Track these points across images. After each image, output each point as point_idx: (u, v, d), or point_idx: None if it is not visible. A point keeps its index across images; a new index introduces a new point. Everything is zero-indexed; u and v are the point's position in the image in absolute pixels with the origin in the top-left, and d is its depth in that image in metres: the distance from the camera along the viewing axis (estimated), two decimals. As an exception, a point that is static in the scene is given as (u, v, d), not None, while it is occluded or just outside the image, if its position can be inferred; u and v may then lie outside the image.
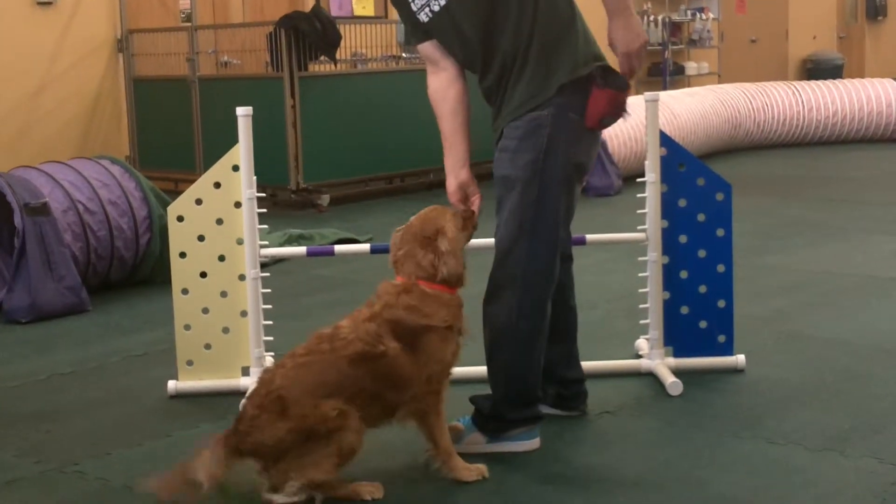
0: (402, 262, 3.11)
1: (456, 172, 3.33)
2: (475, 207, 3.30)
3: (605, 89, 3.16)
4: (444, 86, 3.33)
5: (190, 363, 3.98)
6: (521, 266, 3.22)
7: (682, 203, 3.98)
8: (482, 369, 3.40)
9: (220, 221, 3.95)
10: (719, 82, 14.14)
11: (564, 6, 3.24)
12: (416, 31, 3.34)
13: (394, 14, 11.34)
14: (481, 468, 3.14)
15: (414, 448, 3.26)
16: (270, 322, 4.00)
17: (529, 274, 3.22)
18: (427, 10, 3.24)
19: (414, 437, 3.22)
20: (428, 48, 3.33)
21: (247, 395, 3.02)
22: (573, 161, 3.23)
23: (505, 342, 3.27)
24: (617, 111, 3.21)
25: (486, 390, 3.38)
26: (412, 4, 3.26)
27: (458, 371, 3.94)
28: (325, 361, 2.95)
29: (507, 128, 3.24)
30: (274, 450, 2.87)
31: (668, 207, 3.97)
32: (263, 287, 3.96)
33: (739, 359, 4.05)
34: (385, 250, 4.28)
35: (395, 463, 3.27)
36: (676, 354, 4.04)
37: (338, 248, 4.26)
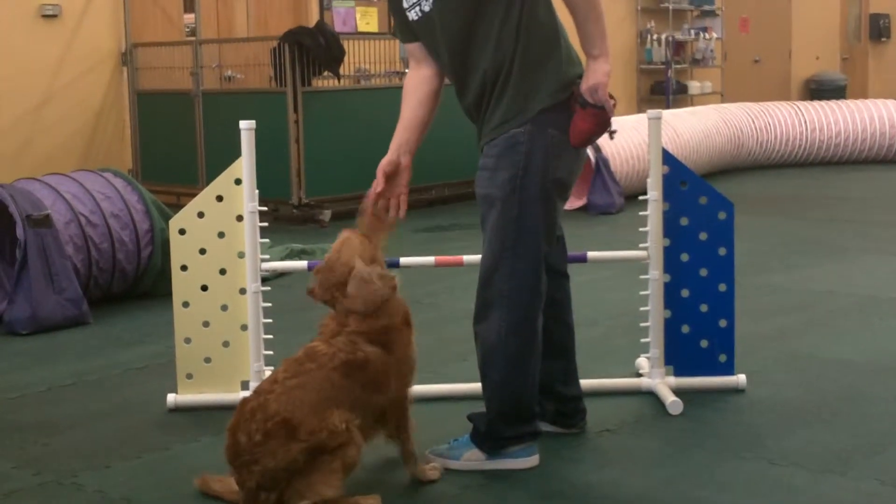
0: (332, 304, 3.10)
1: (396, 151, 3.35)
2: (399, 206, 3.27)
3: (587, 108, 3.15)
4: (419, 81, 3.36)
5: (190, 376, 3.98)
6: (507, 284, 3.22)
7: (684, 221, 3.97)
8: (478, 386, 3.39)
9: (221, 235, 3.95)
10: (722, 101, 14.17)
11: (548, 26, 3.21)
12: (404, 29, 3.35)
13: (398, 30, 11.38)
14: (438, 465, 3.27)
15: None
16: (271, 336, 3.99)
17: (515, 291, 3.22)
18: (417, 9, 3.23)
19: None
20: (415, 48, 3.35)
21: (228, 428, 2.95)
22: (552, 177, 3.21)
23: (495, 360, 3.27)
24: (601, 129, 3.20)
25: (483, 407, 3.37)
26: (404, 1, 3.27)
27: (456, 388, 3.95)
28: (317, 378, 2.95)
29: (487, 146, 3.25)
30: (286, 473, 2.85)
31: (669, 225, 3.96)
32: (264, 301, 3.96)
33: (740, 378, 4.04)
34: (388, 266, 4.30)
35: (394, 475, 3.26)
36: (677, 373, 4.03)
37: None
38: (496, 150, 3.22)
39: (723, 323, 4.01)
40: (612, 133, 3.26)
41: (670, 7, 14.93)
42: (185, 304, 3.97)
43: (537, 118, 3.17)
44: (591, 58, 3.19)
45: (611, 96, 3.20)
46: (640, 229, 4.00)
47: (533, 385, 3.31)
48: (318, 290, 3.09)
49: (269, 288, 4.03)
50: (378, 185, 3.27)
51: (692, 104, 14.01)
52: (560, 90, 3.19)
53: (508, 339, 3.24)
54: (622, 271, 5.86)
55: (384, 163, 3.32)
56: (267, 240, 4.05)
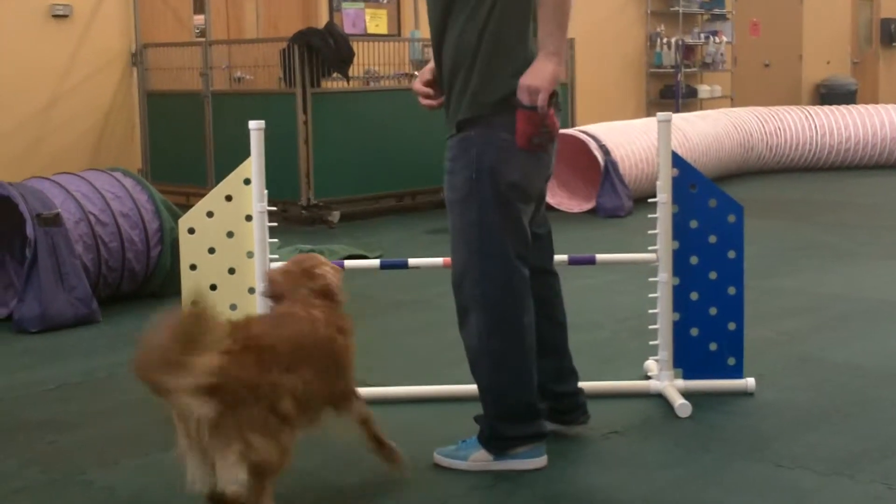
0: (289, 293, 3.12)
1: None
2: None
3: (522, 109, 3.12)
4: None
5: (198, 376, 3.98)
6: (479, 287, 3.23)
7: (694, 224, 3.97)
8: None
9: (230, 234, 3.96)
10: (732, 106, 14.15)
11: (514, 31, 3.17)
12: None
13: (406, 32, 11.38)
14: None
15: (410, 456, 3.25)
16: (279, 336, 3.99)
17: (488, 293, 3.22)
18: None
19: (414, 451, 3.20)
20: None
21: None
22: (505, 181, 3.17)
23: (481, 364, 3.28)
24: (542, 131, 3.14)
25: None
26: None
27: (463, 389, 3.96)
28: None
29: (447, 147, 3.26)
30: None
31: (679, 228, 3.96)
32: (273, 301, 3.96)
33: (749, 382, 4.03)
34: (395, 266, 4.31)
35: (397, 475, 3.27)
36: (686, 376, 4.03)
37: (347, 262, 4.26)
38: (452, 152, 3.24)
39: (732, 326, 4.01)
40: (541, 142, 3.15)
41: (680, 11, 14.91)
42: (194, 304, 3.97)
43: (489, 121, 3.17)
44: (542, 54, 3.12)
45: (556, 104, 3.15)
46: (650, 232, 3.99)
47: (528, 384, 3.30)
48: (283, 277, 3.15)
49: (277, 288, 4.02)
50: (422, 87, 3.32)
51: (702, 108, 13.99)
52: (512, 94, 3.14)
53: (491, 341, 3.24)
54: (631, 274, 5.85)
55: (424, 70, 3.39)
56: (276, 240, 4.05)
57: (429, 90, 3.40)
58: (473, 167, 3.18)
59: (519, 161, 3.18)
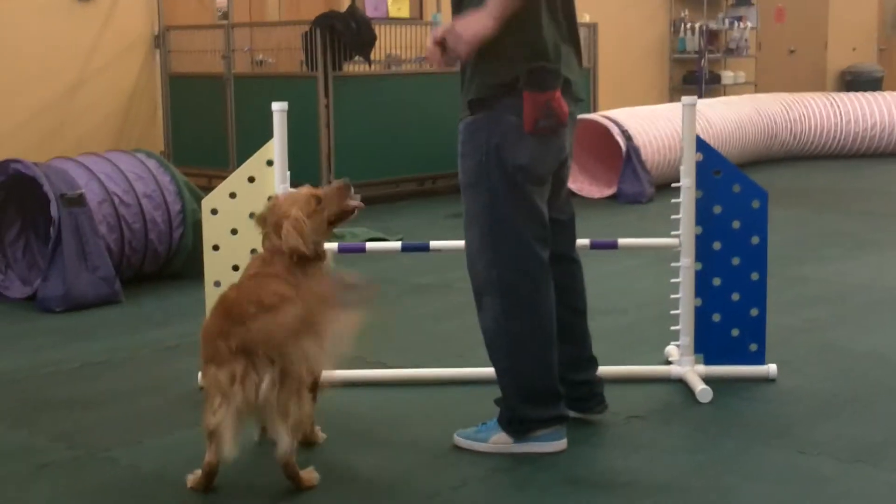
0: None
1: None
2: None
3: (527, 91, 3.12)
4: None
5: (220, 356, 3.99)
6: (494, 270, 3.23)
7: (717, 209, 3.95)
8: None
9: (253, 216, 3.96)
10: (756, 92, 14.05)
11: (531, 5, 3.12)
12: None
13: (428, 16, 11.35)
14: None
15: (432, 440, 3.25)
16: (301, 317, 4.00)
17: (504, 276, 3.22)
18: None
19: (434, 433, 3.21)
20: None
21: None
22: (513, 163, 3.18)
23: (499, 347, 3.28)
24: (546, 114, 3.13)
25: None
26: None
27: (483, 372, 3.96)
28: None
29: (459, 131, 3.26)
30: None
31: (702, 213, 3.94)
32: (295, 282, 3.97)
33: (771, 368, 4.02)
34: (416, 248, 4.31)
35: (419, 461, 3.27)
36: (707, 362, 4.02)
37: (369, 245, 4.27)
38: (462, 136, 3.26)
39: (754, 312, 3.99)
40: (547, 125, 3.15)
41: (704, -4, 14.82)
42: (217, 284, 3.98)
43: (497, 104, 3.17)
44: (480, 9, 3.07)
45: (569, 92, 3.16)
46: (672, 217, 3.98)
47: (547, 367, 3.29)
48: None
49: (299, 269, 4.03)
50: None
51: (725, 94, 13.90)
52: (520, 78, 3.13)
53: (508, 324, 3.24)
54: (652, 260, 5.84)
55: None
56: (298, 221, 4.05)
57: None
58: (483, 150, 3.20)
59: (527, 144, 3.18)
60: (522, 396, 3.30)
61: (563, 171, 3.40)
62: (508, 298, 3.23)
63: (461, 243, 4.00)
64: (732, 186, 3.95)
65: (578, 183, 8.84)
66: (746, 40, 15.18)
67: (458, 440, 3.38)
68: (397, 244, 4.33)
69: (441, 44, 3.12)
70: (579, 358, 3.56)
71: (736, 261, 3.97)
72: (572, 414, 3.52)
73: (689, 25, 14.51)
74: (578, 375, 3.56)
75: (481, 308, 3.30)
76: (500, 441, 3.33)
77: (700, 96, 13.30)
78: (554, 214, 3.38)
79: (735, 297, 3.98)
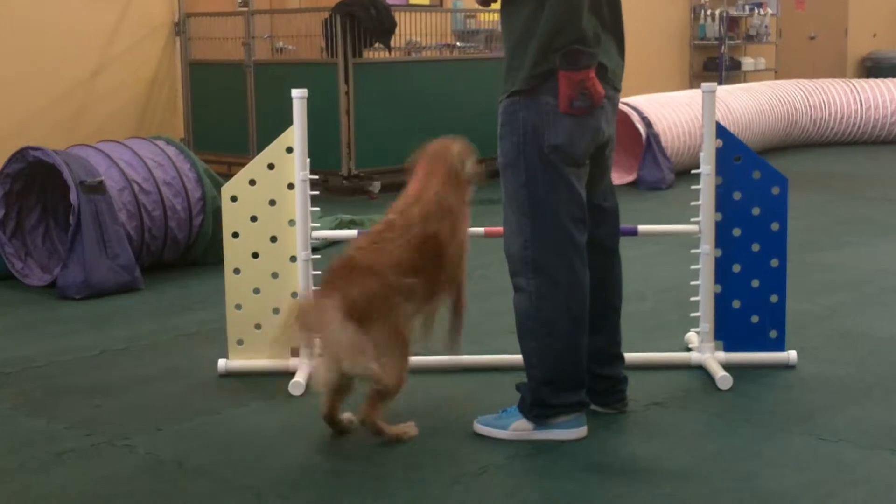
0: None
1: None
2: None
3: (562, 71, 3.14)
4: None
5: (240, 342, 4.02)
6: (530, 250, 3.24)
7: (737, 196, 3.93)
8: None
9: (272, 202, 3.98)
10: (776, 78, 13.96)
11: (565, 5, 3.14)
12: None
13: (449, 3, 11.33)
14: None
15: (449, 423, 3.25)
16: (320, 304, 4.01)
17: (539, 256, 3.24)
18: None
19: (455, 419, 3.20)
20: None
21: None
22: (549, 143, 3.21)
23: (530, 327, 3.28)
24: (581, 93, 3.15)
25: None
26: None
27: (504, 359, 3.96)
28: (394, 244, 3.34)
29: (498, 113, 3.31)
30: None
31: (722, 200, 3.92)
32: (314, 269, 3.98)
33: (791, 355, 4.00)
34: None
35: (438, 444, 3.28)
36: (727, 349, 4.01)
37: (389, 232, 4.26)
38: (501, 118, 3.29)
39: (774, 299, 3.97)
40: (582, 105, 3.19)
41: (725, -18, 14.73)
42: (237, 271, 4.00)
43: (533, 85, 3.20)
44: None
45: (604, 76, 3.22)
46: (692, 203, 3.96)
47: (575, 352, 3.29)
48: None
49: (319, 256, 4.05)
50: None
51: (745, 81, 13.81)
52: (547, 56, 3.16)
53: (540, 303, 3.24)
54: (672, 246, 5.82)
55: None
56: (317, 208, 4.07)
57: None
58: (520, 131, 3.23)
59: (563, 124, 3.19)
60: (547, 380, 3.29)
61: (604, 158, 3.40)
62: (543, 279, 3.24)
63: (481, 230, 4.02)
64: (752, 173, 3.93)
65: (598, 170, 8.80)
66: (767, 27, 15.08)
67: (478, 427, 3.38)
68: (416, 231, 4.32)
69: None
70: (606, 351, 3.54)
71: (756, 247, 3.95)
72: (591, 406, 3.52)
73: (709, 12, 14.42)
74: (603, 369, 3.54)
75: (517, 289, 3.30)
76: (520, 428, 3.33)
77: (720, 83, 13.23)
78: (596, 200, 3.41)
79: (755, 283, 3.96)
